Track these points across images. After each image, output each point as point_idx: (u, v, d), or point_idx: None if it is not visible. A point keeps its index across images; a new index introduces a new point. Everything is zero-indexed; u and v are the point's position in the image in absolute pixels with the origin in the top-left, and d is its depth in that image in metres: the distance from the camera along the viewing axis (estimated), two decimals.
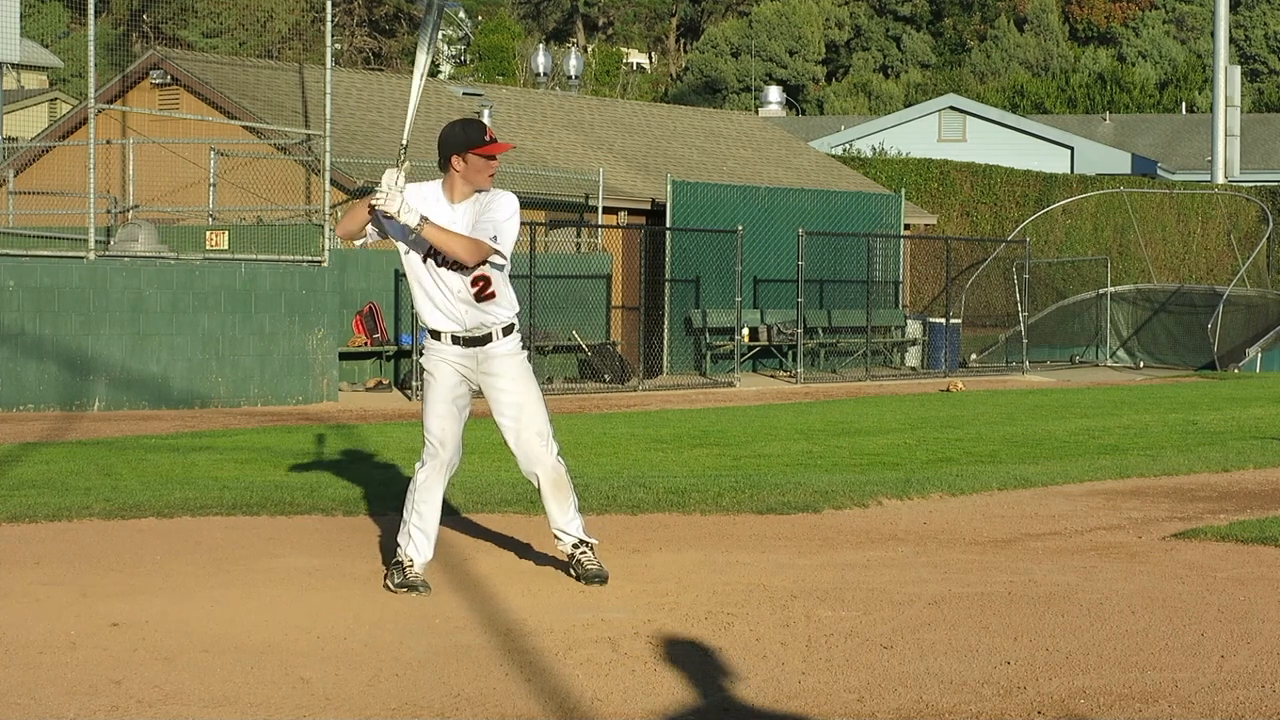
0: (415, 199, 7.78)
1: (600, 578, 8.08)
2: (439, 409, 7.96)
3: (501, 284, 7.91)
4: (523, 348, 8.12)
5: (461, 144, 7.76)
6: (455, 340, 7.92)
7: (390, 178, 7.65)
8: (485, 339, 7.92)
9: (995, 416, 20.07)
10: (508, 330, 7.98)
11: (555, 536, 8.21)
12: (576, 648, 6.81)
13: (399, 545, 8.00)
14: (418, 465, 8.04)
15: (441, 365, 7.95)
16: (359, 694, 6.12)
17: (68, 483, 12.13)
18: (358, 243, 8.15)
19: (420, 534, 7.96)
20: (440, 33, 8.09)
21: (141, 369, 20.28)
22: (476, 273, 7.80)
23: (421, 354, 8.15)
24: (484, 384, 8.00)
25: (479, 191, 7.83)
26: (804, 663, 6.60)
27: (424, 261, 7.84)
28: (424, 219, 7.63)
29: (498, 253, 7.72)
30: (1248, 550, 9.34)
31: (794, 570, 8.61)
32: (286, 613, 7.47)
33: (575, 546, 8.15)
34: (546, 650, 6.77)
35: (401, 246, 7.89)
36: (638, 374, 26.12)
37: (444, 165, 7.83)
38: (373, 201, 7.66)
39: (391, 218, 7.65)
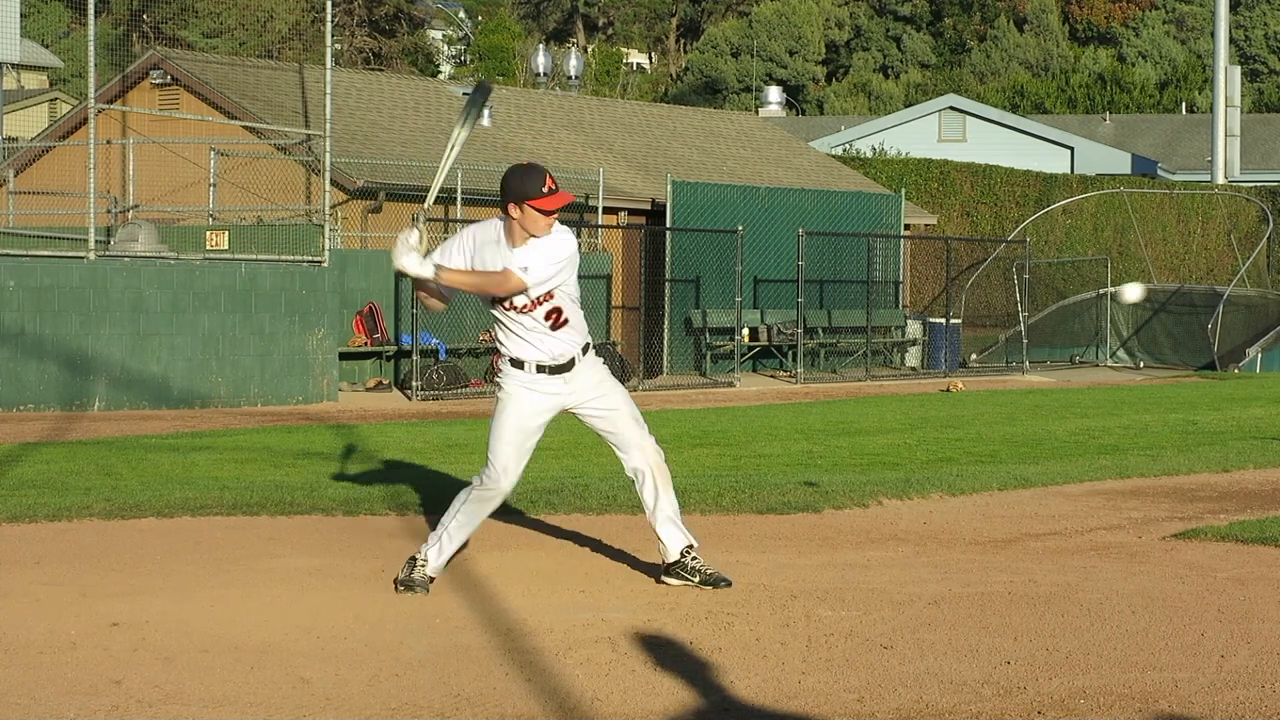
0: (477, 242, 7.78)
1: (724, 581, 8.04)
2: (509, 435, 7.90)
3: (573, 312, 7.94)
4: (598, 356, 8.21)
5: (518, 195, 7.67)
6: (540, 369, 7.92)
7: (404, 239, 7.70)
8: (570, 364, 7.96)
9: (995, 416, 20.07)
10: (585, 350, 8.06)
11: (662, 535, 8.08)
12: (576, 648, 6.81)
13: (426, 546, 7.99)
14: (477, 482, 7.96)
15: (522, 390, 7.92)
16: (359, 694, 6.12)
17: (68, 483, 12.13)
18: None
19: (450, 542, 7.96)
20: (484, 112, 8.24)
21: (142, 369, 20.28)
22: (548, 307, 7.82)
23: (498, 375, 8.09)
24: (577, 400, 8.00)
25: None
26: (804, 663, 6.60)
27: (493, 304, 7.88)
28: (439, 267, 7.69)
29: (526, 286, 7.69)
30: (1248, 550, 9.34)
31: (794, 570, 8.61)
32: (287, 613, 7.47)
33: (684, 551, 8.09)
34: (547, 650, 6.77)
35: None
36: (638, 374, 26.13)
37: (502, 208, 7.79)
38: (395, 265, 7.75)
39: (405, 275, 7.74)
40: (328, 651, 6.75)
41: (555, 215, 7.73)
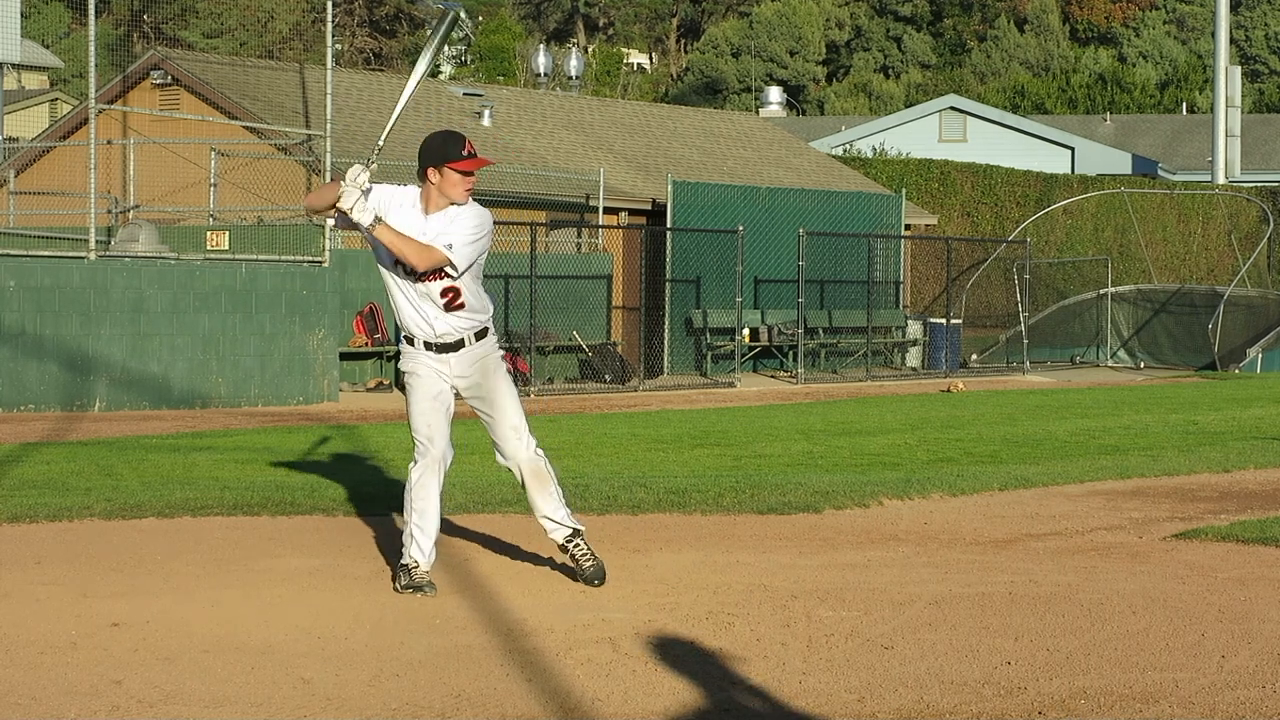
0: (390, 202, 7.79)
1: (599, 576, 8.07)
2: (422, 406, 7.98)
3: (471, 294, 7.90)
4: (499, 346, 8.15)
5: (438, 157, 7.74)
6: (428, 346, 7.95)
7: (354, 174, 7.69)
8: (457, 345, 7.96)
9: (996, 417, 20.07)
10: (480, 335, 8.01)
11: (543, 526, 8.19)
12: (577, 648, 6.81)
13: (404, 548, 8.00)
14: (410, 465, 8.06)
15: (419, 367, 8.00)
16: (359, 694, 6.12)
17: (68, 483, 12.13)
18: (327, 222, 8.22)
19: (422, 534, 7.96)
20: (445, 45, 8.18)
21: (142, 369, 20.28)
22: (445, 284, 7.81)
23: (399, 358, 8.17)
24: (459, 385, 8.03)
25: (455, 205, 7.81)
26: (805, 663, 6.60)
27: (394, 267, 7.87)
28: (378, 219, 7.66)
29: (450, 263, 7.71)
30: (1248, 550, 9.34)
31: (794, 570, 8.61)
32: (287, 613, 7.47)
33: (568, 539, 8.13)
34: (547, 650, 6.77)
35: (377, 252, 7.93)
36: (638, 374, 26.12)
37: (421, 175, 7.81)
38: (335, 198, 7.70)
39: (345, 214, 7.67)
40: (328, 652, 6.75)
41: (474, 178, 7.78)
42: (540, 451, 8.08)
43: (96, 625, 7.15)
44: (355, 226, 7.76)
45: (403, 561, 7.99)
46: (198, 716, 5.85)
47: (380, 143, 8.01)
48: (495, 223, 8.22)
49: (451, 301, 7.86)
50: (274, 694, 6.11)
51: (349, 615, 7.44)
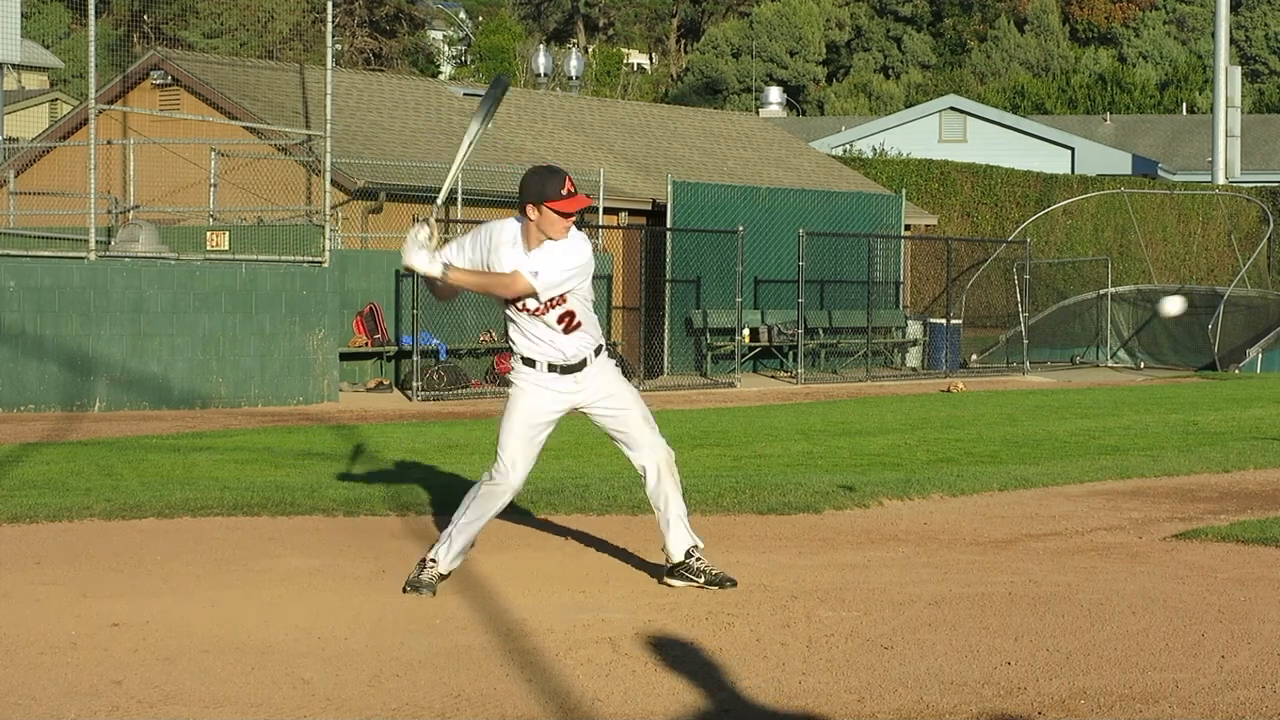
0: (492, 242, 7.81)
1: (726, 579, 8.04)
2: (518, 430, 7.92)
3: (586, 314, 7.93)
4: (611, 357, 8.20)
5: (537, 196, 7.68)
6: (552, 368, 7.94)
7: (417, 234, 7.74)
8: (582, 364, 7.96)
9: (996, 417, 20.07)
10: (598, 351, 8.05)
11: (666, 539, 8.09)
12: (577, 648, 6.81)
13: (437, 543, 8.01)
14: (484, 476, 7.99)
15: (532, 388, 7.94)
16: (359, 694, 6.12)
17: (68, 483, 12.13)
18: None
19: (459, 540, 7.94)
20: (496, 108, 8.31)
21: (142, 369, 20.28)
22: (560, 310, 7.82)
23: (510, 372, 8.11)
24: (584, 399, 8.02)
25: (553, 240, 7.78)
26: (804, 663, 6.60)
27: (506, 305, 7.92)
28: (448, 266, 7.73)
29: (534, 291, 7.70)
30: (1248, 551, 9.34)
31: (794, 570, 8.61)
32: (287, 613, 7.47)
33: (689, 552, 8.06)
34: (547, 651, 6.77)
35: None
36: (638, 374, 26.12)
37: (520, 210, 7.79)
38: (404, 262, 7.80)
39: (414, 272, 7.80)
40: (328, 652, 6.75)
41: (573, 218, 7.75)
42: (671, 449, 8.13)
43: (96, 625, 7.15)
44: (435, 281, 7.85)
45: (430, 555, 7.98)
46: (198, 716, 5.85)
47: (440, 203, 8.20)
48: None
49: (569, 324, 7.87)
50: (274, 694, 6.11)
51: (349, 615, 7.44)
